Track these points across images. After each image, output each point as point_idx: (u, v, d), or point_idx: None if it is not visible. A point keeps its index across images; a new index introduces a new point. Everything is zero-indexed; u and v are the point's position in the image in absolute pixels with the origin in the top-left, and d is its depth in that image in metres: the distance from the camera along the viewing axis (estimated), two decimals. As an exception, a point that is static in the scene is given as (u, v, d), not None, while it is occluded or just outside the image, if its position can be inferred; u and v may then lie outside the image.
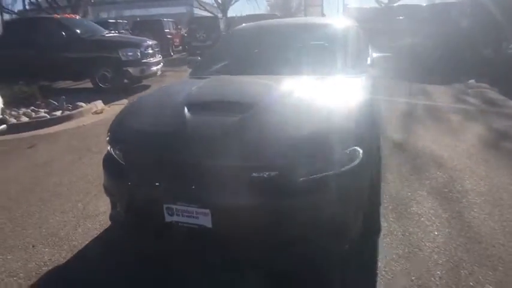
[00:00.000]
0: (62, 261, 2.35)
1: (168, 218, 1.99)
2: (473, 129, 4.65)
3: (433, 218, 2.62)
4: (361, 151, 1.99)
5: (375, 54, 3.10)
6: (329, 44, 3.20)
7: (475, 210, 2.71)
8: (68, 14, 11.00)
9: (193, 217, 1.92)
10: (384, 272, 2.09)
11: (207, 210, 1.88)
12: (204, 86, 2.78)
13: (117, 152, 2.21)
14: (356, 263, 2.13)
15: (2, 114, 4.55)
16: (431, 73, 8.39)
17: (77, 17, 9.61)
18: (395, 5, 16.27)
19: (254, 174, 1.85)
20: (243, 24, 4.08)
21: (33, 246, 2.51)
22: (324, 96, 2.41)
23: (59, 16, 9.61)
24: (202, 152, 1.95)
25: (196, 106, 2.28)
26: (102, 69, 8.09)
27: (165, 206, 1.97)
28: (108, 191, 2.32)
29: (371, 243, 2.33)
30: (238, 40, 3.68)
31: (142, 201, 2.10)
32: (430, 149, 3.98)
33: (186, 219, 1.94)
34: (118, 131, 2.35)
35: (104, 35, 8.68)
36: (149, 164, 2.07)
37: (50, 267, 2.29)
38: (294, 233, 1.92)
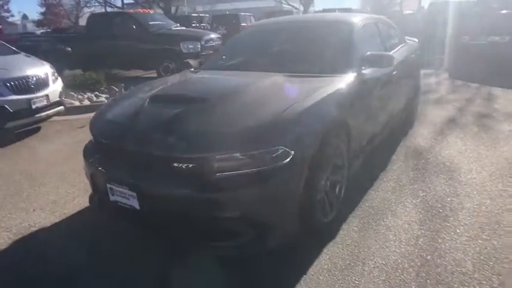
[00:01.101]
0: (48, 225, 2.74)
1: (111, 198, 2.20)
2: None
3: (401, 234, 2.40)
4: (291, 152, 1.96)
5: (370, 53, 2.88)
6: (319, 42, 3.11)
7: (457, 232, 2.41)
8: (144, 9, 12.01)
9: (126, 198, 2.11)
10: (302, 282, 2.02)
11: (134, 193, 2.05)
12: (180, 80, 2.94)
13: (91, 139, 2.51)
14: (276, 264, 2.10)
15: (60, 97, 5.27)
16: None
17: (151, 12, 10.50)
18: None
19: (175, 164, 1.95)
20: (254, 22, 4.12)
21: (33, 210, 2.96)
22: (275, 95, 2.37)
23: (132, 11, 10.62)
24: (137, 140, 2.11)
25: (156, 99, 2.44)
26: (165, 61, 8.76)
27: (108, 186, 2.19)
28: (85, 173, 2.63)
29: (312, 249, 2.25)
30: (245, 37, 3.75)
31: (97, 181, 2.35)
32: (451, 160, 3.57)
33: (122, 200, 2.14)
34: (94, 121, 2.62)
35: (170, 29, 9.36)
36: (102, 149, 2.32)
37: (35, 229, 2.69)
38: (210, 227, 1.98)
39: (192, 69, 3.55)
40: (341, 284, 1.98)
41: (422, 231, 2.42)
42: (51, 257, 2.34)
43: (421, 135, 4.32)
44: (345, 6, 23.74)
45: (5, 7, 34.01)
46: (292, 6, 28.24)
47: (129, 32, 8.80)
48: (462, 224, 2.49)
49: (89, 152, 2.48)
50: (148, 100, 2.41)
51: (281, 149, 1.94)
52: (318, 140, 2.11)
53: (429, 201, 2.81)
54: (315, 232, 2.32)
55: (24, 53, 5.66)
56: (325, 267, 2.11)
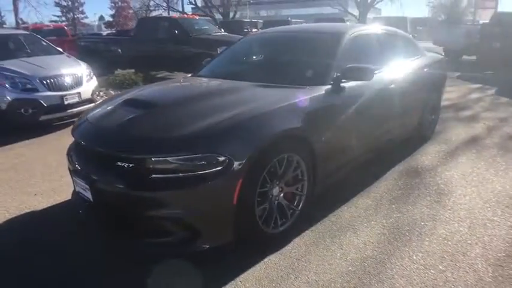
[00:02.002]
0: (39, 208, 3.07)
1: (76, 188, 2.44)
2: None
3: (350, 254, 2.33)
4: (225, 161, 2.03)
5: (350, 66, 2.80)
6: (301, 53, 3.12)
7: (412, 258, 2.27)
8: (191, 14, 12.56)
9: (84, 190, 2.32)
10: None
11: (88, 187, 2.25)
12: (158, 85, 3.11)
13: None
14: (208, 268, 2.17)
15: (92, 95, 5.77)
16: None
17: (197, 17, 10.97)
18: None
19: (118, 163, 2.12)
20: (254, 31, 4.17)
21: (35, 195, 3.32)
22: (225, 104, 2.43)
23: (177, 16, 11.17)
24: (95, 139, 2.32)
25: (124, 103, 2.63)
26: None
27: (73, 178, 2.42)
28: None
29: (251, 257, 2.27)
30: (241, 45, 3.83)
31: (71, 174, 2.60)
32: (449, 182, 3.34)
33: (82, 191, 2.35)
34: (77, 121, 2.84)
35: (210, 34, 9.72)
36: (76, 146, 2.56)
37: (28, 210, 3.02)
38: (145, 224, 2.11)
39: (189, 75, 3.73)
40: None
41: (375, 253, 2.32)
42: (24, 233, 2.67)
43: (429, 154, 4.08)
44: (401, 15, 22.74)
45: (80, 9, 37.66)
46: (351, 14, 27.72)
47: (172, 36, 9.30)
48: (423, 251, 2.34)
49: (70, 149, 2.74)
50: (118, 104, 2.61)
51: (213, 156, 2.01)
52: (257, 151, 2.13)
53: (400, 223, 2.68)
54: (258, 242, 2.34)
55: (66, 54, 6.30)
56: (257, 276, 2.13)
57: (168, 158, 2.03)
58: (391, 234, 2.54)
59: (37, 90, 5.05)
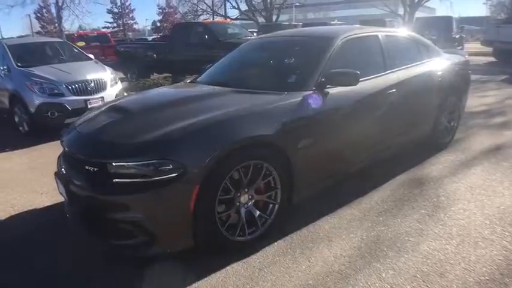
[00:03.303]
0: (40, 206, 3.28)
1: (59, 190, 2.58)
2: None
3: (317, 266, 2.23)
4: (180, 168, 2.05)
5: (333, 70, 2.69)
6: (287, 59, 3.06)
7: (380, 276, 2.13)
8: (225, 19, 12.75)
9: (63, 192, 2.45)
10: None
11: (64, 189, 2.38)
12: (145, 92, 3.20)
13: None
14: (163, 270, 2.20)
15: (115, 97, 6.07)
16: None
17: (229, 22, 11.12)
18: None
19: (86, 167, 2.21)
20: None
21: (41, 194, 3.56)
22: (193, 110, 2.44)
23: (209, 22, 11.39)
24: (73, 143, 2.47)
25: (107, 110, 2.76)
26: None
27: (56, 181, 2.57)
28: None
29: (212, 264, 2.26)
30: (238, 51, 3.81)
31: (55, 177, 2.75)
32: (452, 195, 3.08)
33: (62, 193, 2.49)
34: (65, 130, 2.94)
35: (240, 38, 9.80)
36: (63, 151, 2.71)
37: (31, 208, 3.25)
38: (109, 226, 2.18)
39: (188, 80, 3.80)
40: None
41: (342, 268, 2.21)
42: (22, 228, 2.88)
43: (441, 163, 3.79)
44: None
45: (130, 15, 39.93)
46: (397, 14, 26.64)
47: (202, 41, 9.51)
48: (396, 268, 2.18)
49: (60, 154, 2.90)
50: (102, 111, 2.74)
51: (166, 162, 2.04)
52: (215, 158, 2.11)
53: (382, 237, 2.52)
54: (223, 249, 2.32)
55: (94, 60, 6.69)
56: (213, 283, 2.12)
57: (126, 163, 2.09)
58: (367, 249, 2.39)
59: (63, 95, 5.41)
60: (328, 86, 2.74)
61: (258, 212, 2.45)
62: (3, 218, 3.09)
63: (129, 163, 2.08)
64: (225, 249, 2.33)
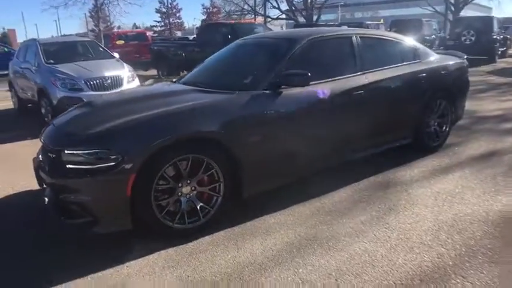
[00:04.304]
0: (35, 188, 3.69)
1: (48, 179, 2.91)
2: None
3: (241, 258, 2.36)
4: (118, 157, 2.28)
5: (286, 72, 2.78)
6: (251, 60, 3.20)
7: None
8: (248, 20, 12.93)
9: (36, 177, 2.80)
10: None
11: (34, 172, 2.72)
12: (127, 90, 3.47)
13: None
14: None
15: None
16: None
17: (256, 22, 11.29)
18: None
19: (49, 154, 2.53)
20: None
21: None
22: (146, 107, 2.64)
23: (233, 22, 11.62)
24: (46, 133, 2.78)
25: (87, 104, 3.07)
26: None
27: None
28: None
29: (150, 246, 2.46)
30: (219, 52, 3.98)
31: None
32: (415, 198, 3.03)
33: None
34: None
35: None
36: None
37: (28, 189, 3.63)
38: (63, 206, 2.46)
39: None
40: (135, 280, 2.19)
41: (265, 261, 2.31)
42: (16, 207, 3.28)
43: (420, 167, 3.70)
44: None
45: (177, 15, 41.73)
46: (440, 13, 25.23)
47: (225, 41, 9.73)
48: (315, 265, 2.24)
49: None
50: (79, 106, 3.07)
51: (106, 152, 2.29)
52: (151, 150, 2.32)
53: (318, 235, 2.57)
54: (161, 234, 2.52)
55: (116, 58, 7.19)
56: (144, 263, 2.33)
57: (76, 152, 2.37)
58: (298, 245, 2.47)
59: (82, 90, 5.92)
60: (283, 86, 2.84)
61: (200, 203, 2.62)
62: (2, 196, 3.54)
63: (78, 151, 2.36)
64: (163, 235, 2.53)
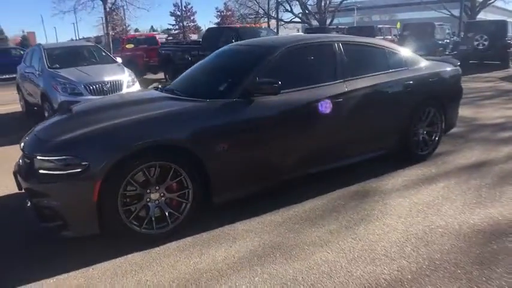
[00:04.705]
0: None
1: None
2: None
3: (203, 263, 2.39)
4: (85, 163, 2.35)
5: (259, 80, 2.81)
6: (229, 67, 3.24)
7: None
8: (254, 24, 12.97)
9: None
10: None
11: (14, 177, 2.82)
12: (109, 97, 3.56)
13: None
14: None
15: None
16: None
17: (262, 26, 11.33)
18: None
19: (25, 159, 2.63)
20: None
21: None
22: (117, 114, 2.72)
23: (238, 26, 11.68)
24: (25, 141, 2.88)
25: (67, 111, 3.18)
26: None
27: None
28: None
29: (120, 249, 2.52)
30: (205, 59, 4.03)
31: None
32: (389, 208, 3.00)
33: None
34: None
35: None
36: None
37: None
38: (38, 210, 2.54)
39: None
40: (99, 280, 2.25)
41: (224, 268, 2.34)
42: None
43: (404, 176, 3.65)
44: None
45: (191, 18, 42.37)
46: (455, 16, 24.69)
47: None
48: (273, 273, 2.26)
49: None
50: (59, 113, 3.18)
51: (73, 159, 2.37)
52: (117, 157, 2.38)
53: (283, 243, 2.58)
54: (129, 238, 2.58)
55: (118, 63, 7.34)
56: (108, 267, 2.39)
57: (47, 158, 2.45)
58: (261, 253, 2.49)
59: (81, 94, 6.08)
60: (255, 94, 2.87)
61: (169, 209, 2.67)
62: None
63: (49, 157, 2.45)
64: (131, 239, 2.59)
